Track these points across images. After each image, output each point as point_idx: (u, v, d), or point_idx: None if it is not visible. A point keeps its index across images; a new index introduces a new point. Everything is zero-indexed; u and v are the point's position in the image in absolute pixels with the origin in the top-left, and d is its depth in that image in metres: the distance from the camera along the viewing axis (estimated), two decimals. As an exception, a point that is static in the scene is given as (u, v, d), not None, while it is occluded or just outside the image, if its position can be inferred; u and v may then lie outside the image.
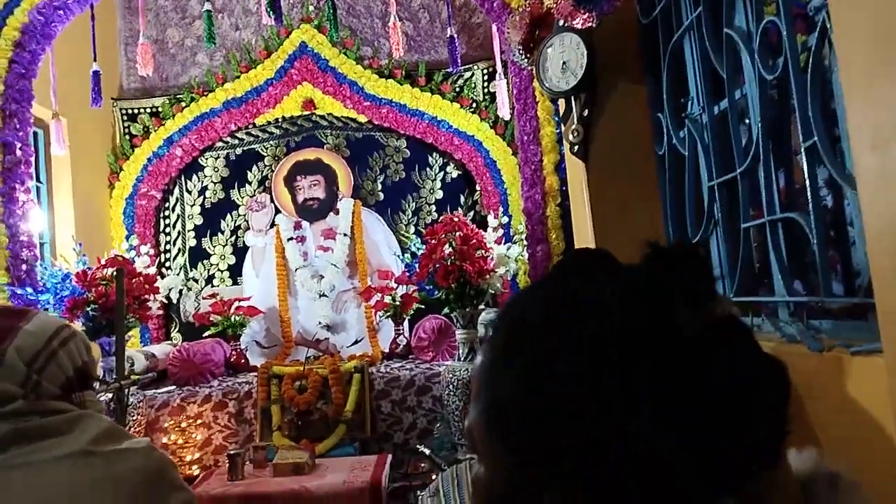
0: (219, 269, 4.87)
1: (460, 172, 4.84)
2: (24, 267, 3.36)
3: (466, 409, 3.12)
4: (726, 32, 1.99)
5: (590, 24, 2.45)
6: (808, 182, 1.60)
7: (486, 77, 4.74)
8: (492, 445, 0.50)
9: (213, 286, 4.77)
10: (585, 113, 2.63)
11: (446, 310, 3.70)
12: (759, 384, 0.48)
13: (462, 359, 3.59)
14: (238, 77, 4.74)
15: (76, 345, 1.31)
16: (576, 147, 2.68)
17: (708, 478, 0.45)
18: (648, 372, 0.46)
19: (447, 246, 3.45)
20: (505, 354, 0.51)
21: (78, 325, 3.39)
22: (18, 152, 3.37)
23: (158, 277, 4.31)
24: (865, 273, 1.50)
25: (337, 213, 4.75)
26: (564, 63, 2.60)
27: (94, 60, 3.71)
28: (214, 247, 4.90)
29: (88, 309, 3.47)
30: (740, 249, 1.99)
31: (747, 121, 1.97)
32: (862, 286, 1.52)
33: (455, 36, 3.83)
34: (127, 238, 4.59)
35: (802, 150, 1.61)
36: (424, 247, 3.61)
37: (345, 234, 4.67)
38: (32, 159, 3.49)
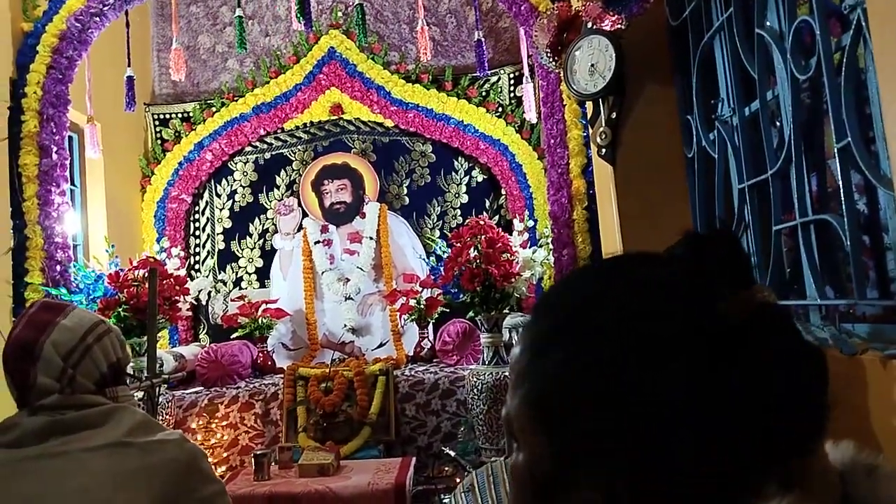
0: (247, 272, 4.93)
1: (486, 177, 4.85)
2: (58, 268, 3.43)
3: (491, 412, 3.10)
4: (758, 33, 1.97)
5: (618, 26, 2.45)
6: (841, 184, 1.57)
7: (512, 81, 4.74)
8: (533, 431, 0.51)
9: (241, 289, 4.83)
10: (613, 116, 2.62)
11: (471, 313, 3.69)
12: (802, 370, 0.49)
13: (486, 363, 3.58)
14: (267, 82, 4.80)
15: (111, 340, 1.33)
16: (603, 150, 2.66)
17: (751, 462, 0.45)
18: (693, 358, 0.46)
19: (472, 249, 3.45)
20: (547, 339, 0.52)
21: (110, 325, 3.45)
22: (55, 156, 3.45)
23: (188, 279, 4.38)
24: (901, 276, 1.47)
25: (363, 216, 4.78)
26: (592, 66, 2.59)
27: (128, 66, 3.79)
28: (243, 250, 4.96)
29: (120, 309, 3.53)
30: (771, 252, 1.96)
31: (778, 122, 1.94)
32: (897, 290, 1.50)
33: (482, 40, 3.84)
34: (158, 240, 4.66)
35: (836, 151, 1.58)
36: (450, 250, 3.61)
37: (371, 238, 4.70)
38: (68, 163, 3.57)
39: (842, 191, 1.57)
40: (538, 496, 0.50)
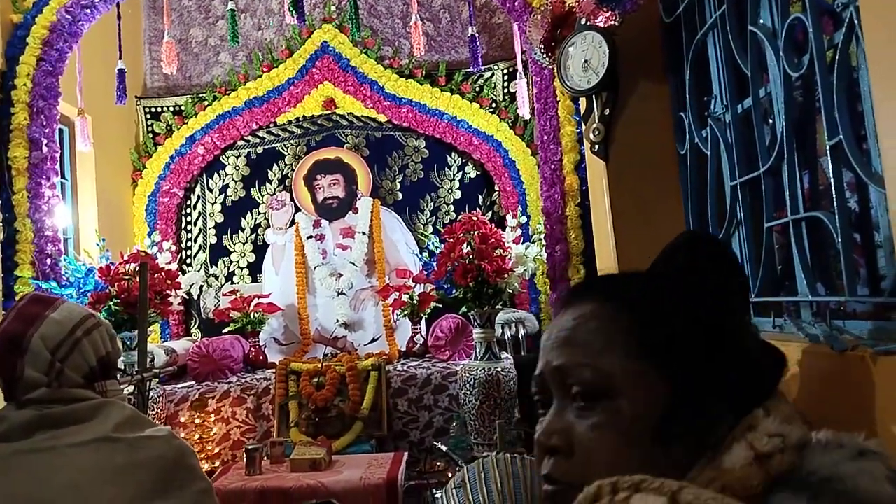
0: (239, 267, 4.91)
1: (479, 172, 4.84)
2: (48, 261, 3.41)
3: (483, 407, 3.08)
4: (751, 30, 1.97)
5: (612, 22, 2.44)
6: (833, 181, 1.58)
7: (505, 77, 4.73)
8: (648, 375, 0.59)
9: (233, 283, 4.81)
10: (606, 112, 2.62)
11: (464, 309, 3.69)
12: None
13: (479, 358, 3.57)
14: (260, 76, 4.78)
15: (100, 334, 1.33)
16: (596, 146, 2.66)
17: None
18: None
19: (465, 245, 3.45)
20: (654, 300, 0.63)
21: (100, 320, 3.43)
22: (45, 148, 3.42)
23: (179, 273, 4.36)
24: (891, 274, 1.48)
25: (356, 211, 4.77)
26: (586, 62, 2.59)
27: (119, 59, 3.76)
28: (235, 244, 4.94)
29: (111, 303, 3.51)
30: (763, 249, 1.96)
31: (771, 120, 1.95)
32: (886, 288, 1.50)
33: (476, 35, 3.83)
34: (149, 234, 4.64)
35: (827, 148, 1.58)
36: (442, 246, 3.61)
37: (363, 233, 4.69)
38: (58, 156, 3.54)
39: (833, 188, 1.57)
40: (658, 438, 0.57)
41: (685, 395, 0.58)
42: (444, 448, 2.88)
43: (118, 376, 1.39)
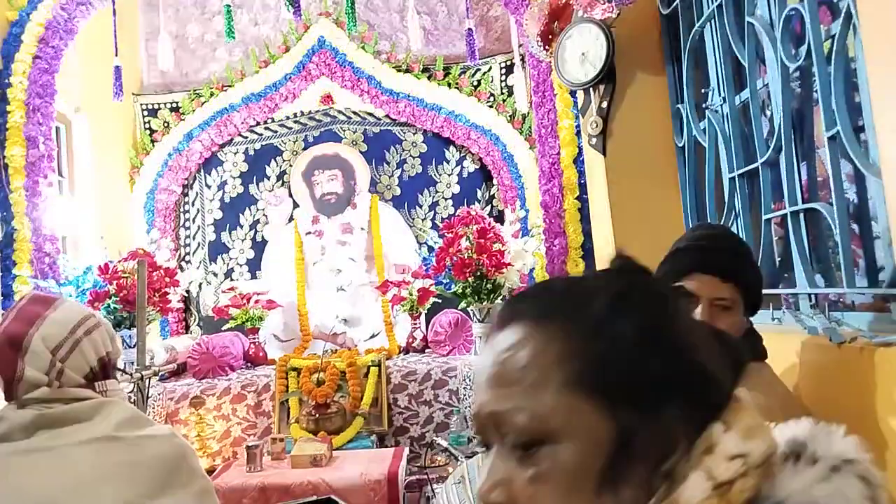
0: (238, 263, 4.91)
1: (477, 167, 4.83)
2: (46, 260, 3.41)
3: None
4: (748, 21, 1.96)
5: (609, 14, 2.44)
6: (831, 172, 1.58)
7: (503, 71, 4.72)
8: (590, 412, 0.53)
9: (232, 280, 4.80)
10: (604, 105, 2.62)
11: (463, 304, 3.70)
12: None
13: (478, 353, 3.58)
14: (257, 72, 4.76)
15: (100, 334, 1.33)
16: (594, 139, 2.66)
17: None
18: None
19: (464, 240, 3.45)
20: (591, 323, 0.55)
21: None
22: (41, 147, 3.41)
23: (178, 271, 4.35)
24: (889, 266, 1.48)
25: (354, 207, 4.76)
26: (583, 54, 2.58)
27: (116, 55, 3.75)
28: (233, 241, 4.93)
29: (109, 301, 3.51)
30: (761, 241, 1.96)
31: (769, 111, 1.94)
32: (884, 280, 1.50)
33: (473, 29, 3.82)
34: (147, 232, 4.63)
35: (825, 139, 1.58)
36: (441, 241, 3.61)
37: (362, 229, 4.69)
38: (55, 153, 3.54)
39: (831, 179, 1.57)
40: (607, 482, 0.52)
41: (633, 427, 0.52)
42: (443, 443, 2.88)
43: (118, 375, 1.39)
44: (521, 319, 0.57)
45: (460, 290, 3.55)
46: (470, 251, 3.42)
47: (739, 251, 1.48)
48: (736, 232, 2.16)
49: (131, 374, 2.17)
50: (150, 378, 2.28)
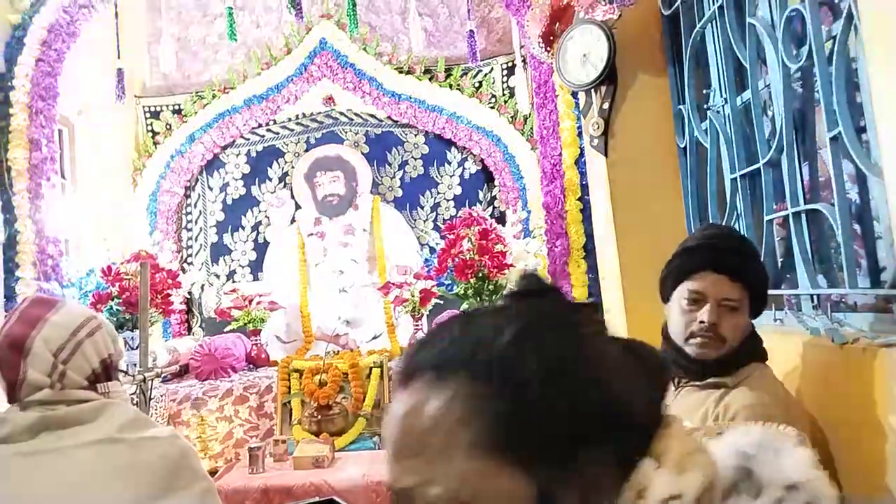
0: (240, 265, 4.92)
1: (479, 168, 4.83)
2: (49, 262, 3.42)
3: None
4: (750, 22, 1.96)
5: (610, 15, 2.44)
6: (832, 173, 1.57)
7: (505, 72, 4.72)
8: (501, 474, 0.48)
9: (234, 281, 4.81)
10: (606, 106, 2.62)
11: (465, 305, 3.69)
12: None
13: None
14: (259, 74, 4.77)
15: (102, 336, 1.33)
16: (596, 140, 2.66)
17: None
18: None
19: (466, 241, 3.45)
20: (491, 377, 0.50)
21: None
22: (44, 149, 3.42)
23: (181, 272, 4.36)
24: (891, 266, 1.48)
25: (356, 209, 4.76)
26: (585, 55, 2.58)
27: (118, 58, 3.76)
28: (235, 243, 4.94)
29: (112, 303, 3.52)
30: (763, 242, 1.96)
31: (770, 112, 1.94)
32: (887, 280, 1.50)
33: (474, 30, 3.82)
34: (150, 234, 4.64)
35: (827, 140, 1.58)
36: (443, 242, 3.61)
37: (364, 230, 4.69)
38: (58, 156, 3.55)
39: (833, 180, 1.57)
40: None
41: (553, 481, 0.47)
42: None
43: (120, 377, 1.40)
44: (422, 374, 0.52)
45: (462, 292, 3.55)
46: (472, 252, 3.42)
47: (750, 253, 1.49)
48: (740, 231, 2.16)
49: (133, 376, 2.17)
50: (152, 380, 2.29)
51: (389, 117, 4.87)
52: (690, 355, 1.45)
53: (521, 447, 0.48)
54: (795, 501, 0.47)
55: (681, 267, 1.49)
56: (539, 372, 0.48)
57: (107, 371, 1.32)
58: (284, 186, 4.92)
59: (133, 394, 2.32)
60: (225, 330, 4.30)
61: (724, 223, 2.21)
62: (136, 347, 3.04)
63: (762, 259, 1.95)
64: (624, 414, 0.50)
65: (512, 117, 4.55)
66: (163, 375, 3.60)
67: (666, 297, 1.54)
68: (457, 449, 0.48)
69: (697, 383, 1.46)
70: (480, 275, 3.45)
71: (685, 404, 1.45)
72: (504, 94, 4.68)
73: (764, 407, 1.32)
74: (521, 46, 3.94)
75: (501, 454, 0.48)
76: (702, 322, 1.42)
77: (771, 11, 1.87)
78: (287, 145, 4.96)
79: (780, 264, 1.96)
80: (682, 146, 2.53)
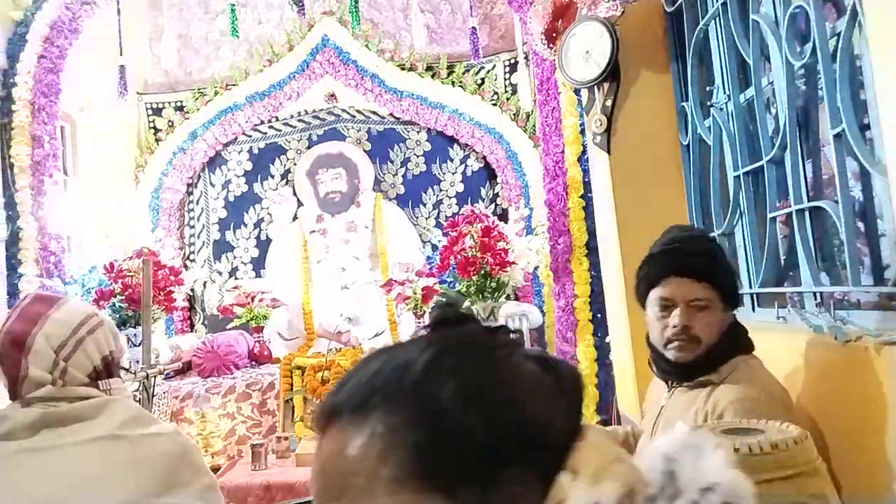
0: (242, 262, 4.92)
1: (481, 165, 4.83)
2: (52, 259, 3.42)
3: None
4: (753, 19, 1.95)
5: (613, 12, 2.42)
6: (836, 170, 1.57)
7: (507, 69, 4.71)
8: (424, 500, 0.48)
9: (236, 278, 4.82)
10: (608, 103, 2.61)
11: (467, 302, 3.69)
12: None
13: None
14: (261, 71, 4.77)
15: (104, 333, 1.33)
16: (598, 137, 2.65)
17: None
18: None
19: (468, 238, 3.45)
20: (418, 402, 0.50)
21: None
22: (47, 146, 3.43)
23: (183, 269, 4.36)
24: (895, 264, 1.47)
25: (358, 206, 4.76)
26: (587, 52, 2.57)
27: (120, 55, 3.76)
28: (238, 239, 4.94)
29: (115, 300, 3.53)
30: (766, 239, 1.96)
31: (774, 109, 1.93)
32: (890, 278, 1.49)
33: (476, 27, 3.82)
34: (152, 231, 4.65)
35: (831, 137, 1.57)
36: (445, 239, 3.61)
37: (366, 227, 4.69)
38: (60, 153, 3.55)
39: (837, 177, 1.57)
40: None
41: None
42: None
43: (122, 374, 1.40)
44: (340, 417, 0.52)
45: (464, 289, 3.55)
46: (474, 250, 3.41)
47: (712, 251, 1.51)
48: (742, 230, 2.15)
49: (135, 373, 2.17)
50: (155, 377, 2.29)
51: (391, 114, 4.87)
52: (671, 360, 1.48)
53: (441, 474, 0.48)
54: (709, 503, 0.47)
55: (648, 275, 1.52)
56: (454, 397, 0.49)
57: (108, 368, 1.32)
58: (287, 183, 4.92)
59: (136, 391, 2.33)
60: (227, 327, 4.31)
61: (726, 220, 2.21)
62: (139, 344, 3.05)
63: (765, 256, 1.95)
64: (541, 433, 0.51)
65: (514, 114, 4.54)
66: (165, 372, 3.61)
67: (643, 305, 1.56)
68: (378, 485, 0.48)
69: (687, 384, 1.48)
70: (483, 272, 3.45)
71: (677, 406, 1.46)
72: (506, 91, 4.67)
73: (751, 401, 1.33)
74: (524, 43, 3.94)
75: (422, 483, 0.48)
76: (674, 326, 1.45)
77: (774, 8, 1.86)
78: (289, 142, 4.96)
79: (783, 262, 1.96)
80: (685, 143, 2.53)
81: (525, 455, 0.49)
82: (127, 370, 1.50)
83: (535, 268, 3.98)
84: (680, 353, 1.46)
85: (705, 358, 1.44)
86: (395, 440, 0.49)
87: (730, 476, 0.48)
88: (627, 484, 0.49)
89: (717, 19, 2.21)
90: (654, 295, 1.49)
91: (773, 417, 1.23)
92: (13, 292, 3.27)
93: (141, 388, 2.27)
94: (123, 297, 3.55)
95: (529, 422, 0.50)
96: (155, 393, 2.85)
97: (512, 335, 0.56)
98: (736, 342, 1.48)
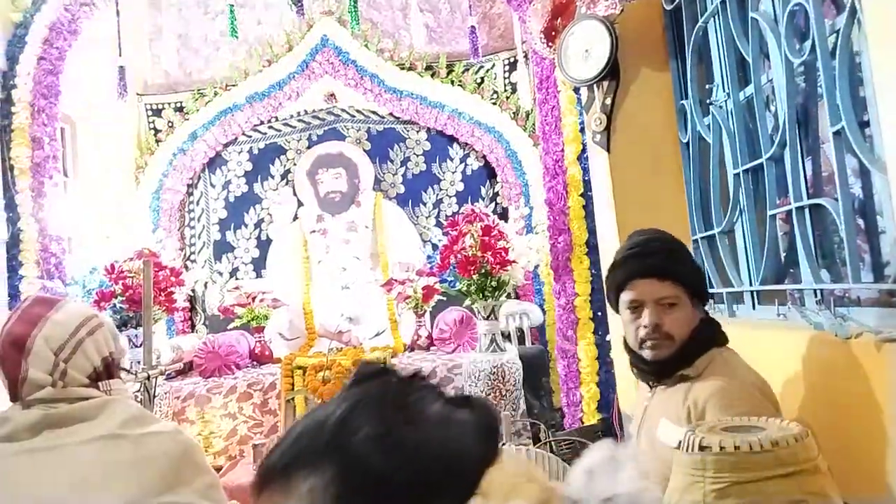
0: (243, 262, 4.92)
1: (481, 164, 4.83)
2: (52, 260, 3.42)
3: (488, 399, 3.12)
4: (752, 16, 1.95)
5: (612, 10, 2.43)
6: (836, 167, 1.57)
7: (506, 68, 4.71)
8: None
9: (237, 279, 4.82)
10: (608, 101, 2.61)
11: (467, 301, 3.70)
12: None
13: (483, 350, 3.59)
14: (260, 71, 4.77)
15: (103, 335, 1.33)
16: (598, 136, 2.65)
17: None
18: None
19: (468, 237, 3.45)
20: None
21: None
22: (47, 147, 3.43)
23: (184, 270, 4.37)
24: (895, 261, 1.47)
25: (359, 205, 4.76)
26: (587, 51, 2.57)
27: (120, 55, 3.76)
28: (238, 240, 4.95)
29: (115, 301, 3.53)
30: (766, 237, 1.96)
31: (773, 106, 1.93)
32: (890, 275, 1.49)
33: (475, 26, 3.82)
34: (153, 231, 4.65)
35: (830, 134, 1.57)
36: (446, 238, 3.61)
37: (366, 227, 4.69)
38: (60, 154, 3.55)
39: (836, 175, 1.57)
40: None
41: None
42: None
43: (123, 374, 1.40)
44: (270, 482, 0.55)
45: (465, 288, 3.56)
46: (474, 249, 3.42)
47: (671, 249, 1.56)
48: (742, 227, 2.15)
49: (136, 374, 2.18)
50: (156, 377, 2.29)
51: (391, 114, 4.87)
52: (648, 359, 1.52)
53: None
54: None
55: (615, 282, 1.57)
56: (367, 447, 0.52)
57: (108, 369, 1.33)
58: (287, 183, 4.92)
59: (137, 392, 2.33)
60: (228, 327, 4.31)
61: (726, 218, 2.21)
62: (140, 345, 3.05)
63: (765, 253, 1.95)
64: (454, 466, 0.53)
65: (514, 113, 4.54)
66: (167, 373, 3.61)
67: (617, 311, 1.61)
68: None
69: (666, 382, 1.51)
70: (483, 271, 3.45)
71: (659, 405, 1.50)
72: (506, 90, 4.67)
73: (729, 392, 1.36)
74: (523, 42, 3.94)
75: None
76: (646, 326, 1.49)
77: (774, 5, 1.86)
78: (289, 142, 4.96)
79: (783, 259, 1.96)
80: (685, 141, 2.52)
81: (441, 489, 0.52)
82: (128, 371, 1.50)
83: (536, 266, 3.98)
84: (655, 352, 1.50)
85: (680, 354, 1.48)
86: (319, 498, 0.51)
87: (634, 488, 0.51)
88: (539, 500, 0.53)
89: (717, 17, 2.21)
90: (624, 298, 1.55)
91: (752, 406, 1.29)
92: (14, 294, 3.28)
93: (142, 389, 2.27)
94: (124, 299, 3.55)
95: (443, 458, 0.53)
96: (156, 394, 2.86)
97: (426, 380, 0.60)
98: (709, 336, 1.52)
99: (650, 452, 1.46)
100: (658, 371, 1.52)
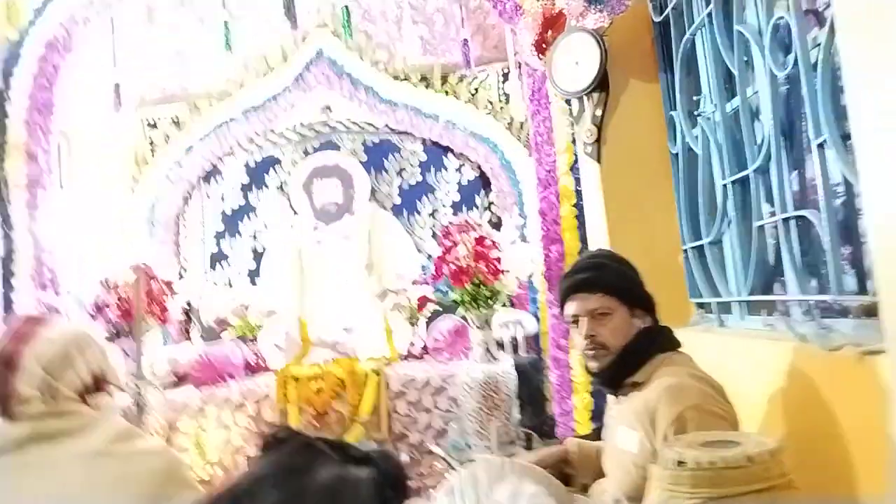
0: (238, 273, 4.93)
1: (476, 174, 4.85)
2: (47, 273, 3.43)
3: (482, 409, 3.11)
4: (737, 29, 1.97)
5: (602, 23, 2.45)
6: (819, 179, 1.58)
7: (501, 78, 4.73)
8: None
9: (232, 289, 4.82)
10: (598, 113, 2.63)
11: (461, 311, 3.70)
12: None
13: (477, 359, 3.59)
14: (256, 84, 4.78)
15: (92, 352, 1.35)
16: (589, 147, 2.67)
17: None
18: None
19: (461, 247, 3.46)
20: None
21: (99, 330, 3.45)
22: (42, 162, 3.44)
23: (179, 281, 4.37)
24: (871, 272, 1.48)
25: (354, 216, 4.78)
26: (576, 63, 2.59)
27: (115, 69, 3.78)
28: (233, 251, 4.96)
29: (109, 313, 3.53)
30: (753, 248, 1.97)
31: (760, 118, 1.95)
32: (873, 287, 1.50)
33: (468, 39, 3.84)
34: (148, 244, 4.65)
35: (814, 146, 1.59)
36: (440, 248, 3.63)
37: (362, 237, 4.70)
38: (56, 168, 3.56)
39: (819, 187, 1.58)
40: None
41: None
42: (439, 452, 2.88)
43: (112, 391, 1.41)
44: None
45: (459, 298, 3.57)
46: (467, 259, 3.43)
47: (600, 264, 1.66)
48: (730, 238, 2.17)
49: (127, 388, 2.18)
50: (147, 389, 2.30)
51: (386, 125, 4.88)
52: (590, 370, 1.61)
53: None
54: None
55: (560, 302, 1.67)
56: None
57: (97, 385, 1.34)
58: (282, 195, 4.94)
59: (130, 404, 2.34)
60: (223, 338, 4.32)
61: (715, 228, 2.23)
62: (133, 357, 3.06)
63: (753, 264, 1.96)
64: None
65: (508, 123, 4.56)
66: (161, 385, 3.62)
67: None
68: None
69: (620, 391, 1.57)
70: (476, 281, 3.46)
71: (619, 415, 1.55)
72: (500, 101, 4.69)
73: (678, 387, 1.42)
74: (515, 54, 3.96)
75: None
76: (584, 338, 1.57)
77: (758, 19, 1.88)
78: (285, 154, 4.98)
79: (771, 270, 1.97)
80: (675, 152, 2.54)
81: None
82: (119, 388, 1.51)
83: (530, 275, 3.99)
84: (593, 362, 1.57)
85: (621, 362, 1.54)
86: None
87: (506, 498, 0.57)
88: None
89: (703, 29, 2.23)
90: (566, 314, 1.63)
91: (702, 398, 1.36)
92: (8, 307, 3.28)
93: (134, 402, 2.28)
94: (119, 311, 3.55)
95: None
96: (148, 404, 2.86)
97: (326, 444, 0.66)
98: (652, 342, 1.57)
99: (614, 460, 1.50)
100: (606, 381, 1.59)
